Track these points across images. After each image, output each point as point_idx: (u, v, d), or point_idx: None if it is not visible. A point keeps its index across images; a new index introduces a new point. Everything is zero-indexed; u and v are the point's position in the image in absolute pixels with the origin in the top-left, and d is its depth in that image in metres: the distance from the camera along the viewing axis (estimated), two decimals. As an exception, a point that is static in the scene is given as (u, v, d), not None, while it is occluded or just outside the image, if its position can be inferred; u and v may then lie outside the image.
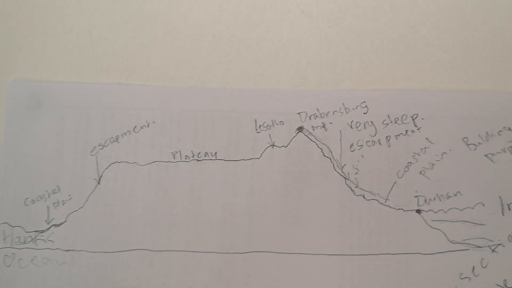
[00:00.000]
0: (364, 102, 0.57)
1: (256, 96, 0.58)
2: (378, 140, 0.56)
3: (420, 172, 0.55)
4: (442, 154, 0.55)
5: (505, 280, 0.53)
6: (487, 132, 0.55)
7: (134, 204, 0.57)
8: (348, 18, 0.59)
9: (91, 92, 0.60)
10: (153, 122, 0.59)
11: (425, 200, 0.55)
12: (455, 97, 0.56)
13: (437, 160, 0.55)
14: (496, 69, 0.56)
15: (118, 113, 0.59)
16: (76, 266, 0.57)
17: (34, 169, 0.58)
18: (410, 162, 0.55)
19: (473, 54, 0.57)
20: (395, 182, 0.55)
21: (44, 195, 0.58)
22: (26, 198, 0.58)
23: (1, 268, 0.57)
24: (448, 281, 0.53)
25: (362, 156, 0.56)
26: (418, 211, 0.55)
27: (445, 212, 0.54)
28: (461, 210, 0.54)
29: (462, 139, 0.55)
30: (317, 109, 0.57)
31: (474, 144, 0.55)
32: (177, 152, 0.58)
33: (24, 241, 0.57)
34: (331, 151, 0.56)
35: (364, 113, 0.57)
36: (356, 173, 0.56)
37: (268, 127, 0.58)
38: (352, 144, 0.56)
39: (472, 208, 0.54)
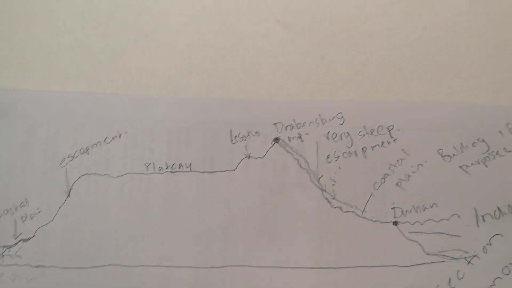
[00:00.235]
0: (340, 113, 0.56)
1: (231, 106, 0.57)
2: (355, 152, 0.56)
3: (397, 184, 0.55)
4: (418, 166, 0.55)
5: (480, 291, 0.54)
6: (461, 144, 0.55)
7: (106, 217, 0.56)
8: (324, 28, 0.58)
9: (60, 101, 0.58)
10: (125, 132, 0.57)
11: (402, 212, 0.55)
12: (430, 108, 0.56)
13: (413, 172, 0.55)
14: (469, 81, 0.57)
15: (89, 123, 0.57)
16: (46, 283, 0.55)
17: (0, 181, 0.56)
18: (387, 174, 0.55)
19: (447, 66, 0.57)
20: (371, 194, 0.55)
21: (11, 208, 0.56)
22: (-8, 213, 0.56)
23: (-34, 286, 0.55)
24: (424, 293, 0.54)
25: (339, 168, 0.56)
26: (395, 223, 0.55)
27: (422, 224, 0.54)
28: (437, 222, 0.54)
29: (437, 150, 0.55)
30: (293, 120, 0.57)
31: (449, 155, 0.55)
32: (150, 163, 0.56)
33: (-10, 258, 0.55)
34: (307, 163, 0.56)
35: (340, 124, 0.56)
36: (333, 184, 0.56)
37: (244, 138, 0.57)
38: (329, 155, 0.56)
39: (447, 219, 0.54)
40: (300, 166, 0.56)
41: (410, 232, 0.54)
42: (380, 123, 0.56)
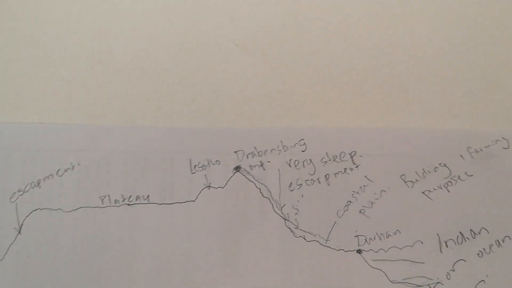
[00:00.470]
0: (302, 139, 0.55)
1: (190, 135, 0.55)
2: (318, 179, 0.55)
3: (360, 211, 0.54)
4: (381, 192, 0.55)
5: (444, 316, 0.54)
6: (423, 169, 0.55)
7: (60, 255, 0.53)
8: (283, 52, 0.57)
9: (9, 132, 0.55)
10: (79, 164, 0.54)
11: (366, 239, 0.54)
12: (392, 134, 0.55)
13: (376, 199, 0.54)
14: (430, 106, 0.56)
15: (40, 155, 0.54)
16: (-5, 327, 0.52)
17: None
18: (350, 201, 0.54)
19: (408, 91, 0.57)
20: (335, 222, 0.54)
21: (-44, 247, 0.53)
22: None
23: None
24: (389, 320, 0.53)
25: (302, 196, 0.55)
26: (359, 251, 0.54)
27: (385, 252, 0.54)
28: (401, 249, 0.54)
29: (400, 176, 0.55)
30: (255, 147, 0.55)
31: (411, 181, 0.55)
32: (105, 196, 0.54)
33: None
34: (270, 191, 0.55)
35: (302, 151, 0.55)
36: (296, 213, 0.54)
37: (204, 167, 0.55)
38: (291, 183, 0.55)
39: (411, 246, 0.54)
40: (263, 195, 0.55)
41: (374, 260, 0.54)
42: (342, 149, 0.55)
